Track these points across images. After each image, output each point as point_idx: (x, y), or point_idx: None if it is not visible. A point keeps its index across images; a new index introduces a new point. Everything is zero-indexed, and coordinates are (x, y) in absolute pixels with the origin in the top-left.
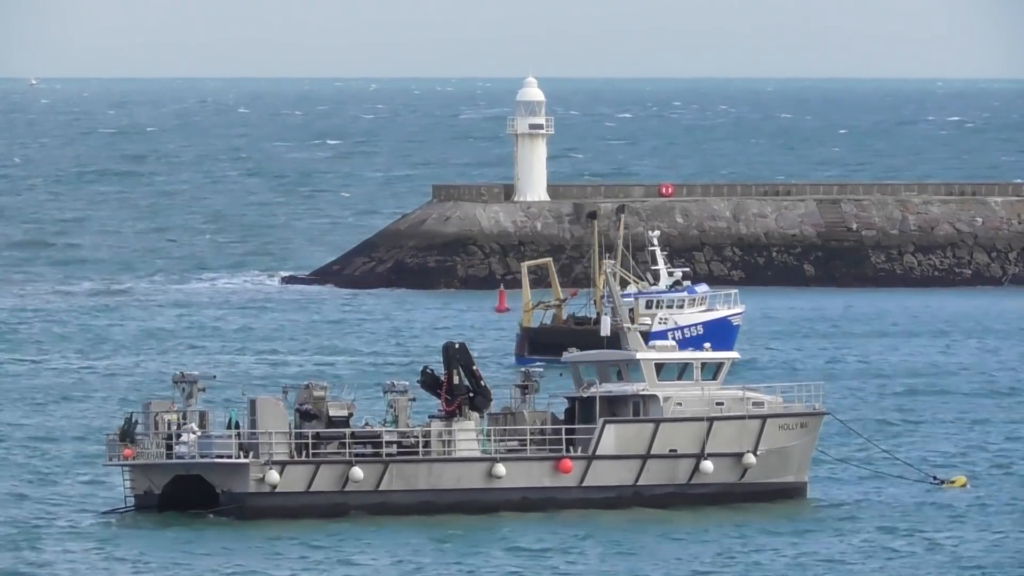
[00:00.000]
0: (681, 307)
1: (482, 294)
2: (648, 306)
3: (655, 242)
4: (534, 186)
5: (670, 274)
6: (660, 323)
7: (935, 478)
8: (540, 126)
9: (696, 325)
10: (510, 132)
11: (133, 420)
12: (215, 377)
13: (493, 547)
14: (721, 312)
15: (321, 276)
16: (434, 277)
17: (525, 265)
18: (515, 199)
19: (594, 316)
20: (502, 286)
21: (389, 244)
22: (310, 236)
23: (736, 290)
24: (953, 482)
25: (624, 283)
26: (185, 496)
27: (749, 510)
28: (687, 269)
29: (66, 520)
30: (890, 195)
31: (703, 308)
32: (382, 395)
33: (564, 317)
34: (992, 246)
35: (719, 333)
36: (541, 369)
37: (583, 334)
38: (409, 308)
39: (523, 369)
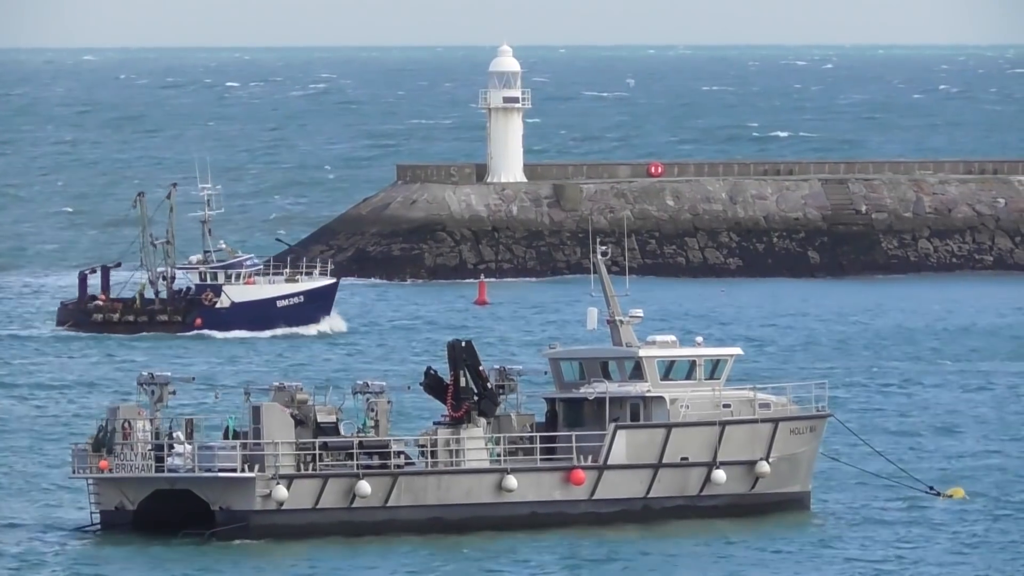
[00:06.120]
0: None
1: (453, 285)
2: None
3: None
4: (509, 166)
5: None
6: None
7: (933, 489)
8: (515, 99)
9: None
10: (482, 107)
11: (108, 428)
12: (193, 379)
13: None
14: None
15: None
16: (399, 266)
17: None
18: (488, 180)
19: None
20: (483, 276)
21: (349, 230)
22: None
23: None
24: (951, 495)
25: None
26: (166, 513)
27: (749, 523)
28: None
29: (27, 541)
30: (903, 174)
31: None
32: (352, 396)
33: None
34: (1016, 230)
35: None
36: (520, 367)
37: None
38: (374, 300)
39: (497, 367)
